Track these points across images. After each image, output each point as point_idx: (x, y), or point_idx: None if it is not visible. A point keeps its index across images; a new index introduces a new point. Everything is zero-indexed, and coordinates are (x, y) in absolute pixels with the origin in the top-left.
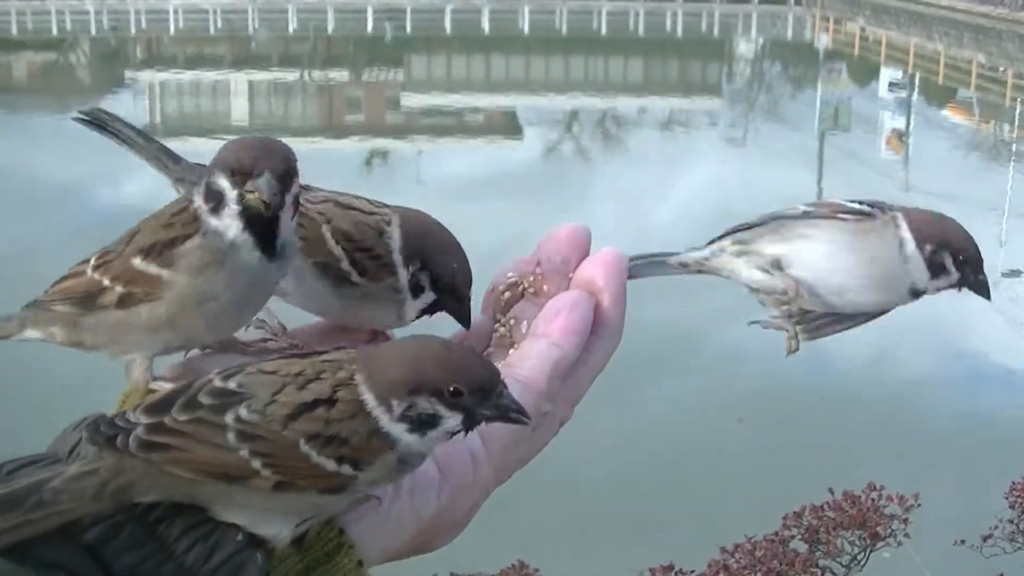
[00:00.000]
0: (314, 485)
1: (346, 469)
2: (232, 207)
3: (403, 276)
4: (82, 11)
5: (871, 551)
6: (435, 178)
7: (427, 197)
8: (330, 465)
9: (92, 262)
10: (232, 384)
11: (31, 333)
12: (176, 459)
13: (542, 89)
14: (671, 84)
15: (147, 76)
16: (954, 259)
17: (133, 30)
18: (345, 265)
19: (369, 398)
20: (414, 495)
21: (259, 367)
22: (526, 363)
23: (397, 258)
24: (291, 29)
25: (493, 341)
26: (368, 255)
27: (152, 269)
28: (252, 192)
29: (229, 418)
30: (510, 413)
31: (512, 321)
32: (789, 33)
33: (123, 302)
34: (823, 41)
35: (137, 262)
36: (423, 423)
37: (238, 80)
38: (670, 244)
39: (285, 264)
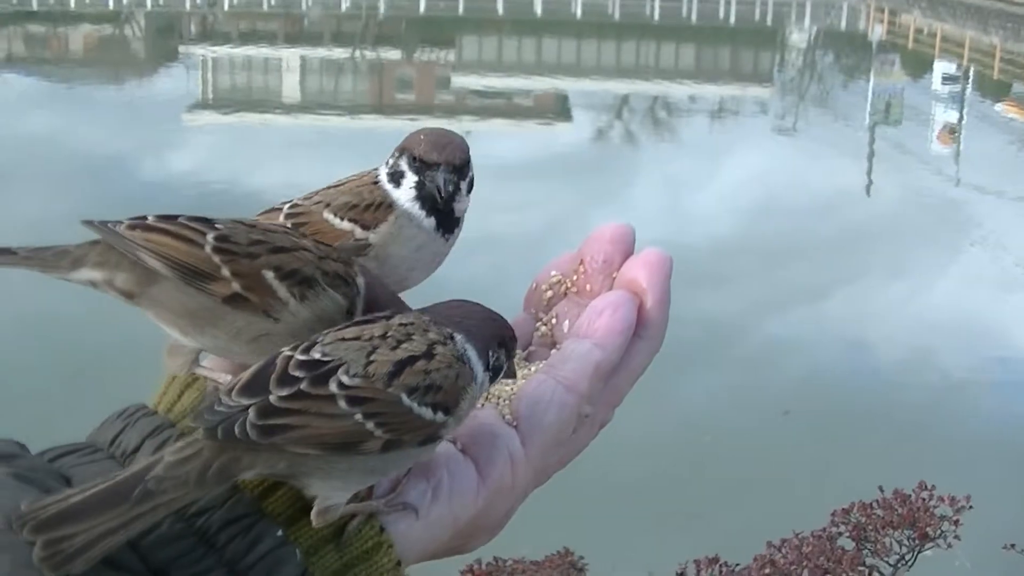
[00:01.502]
0: (415, 438)
1: (440, 416)
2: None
3: None
4: None
5: (919, 551)
6: (483, 159)
7: (476, 179)
8: (427, 414)
9: (211, 240)
10: (316, 355)
11: (86, 275)
12: (297, 438)
13: (593, 73)
14: (722, 71)
15: (200, 51)
16: None
17: (188, 5)
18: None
19: (472, 353)
20: (452, 497)
21: (336, 335)
22: (568, 364)
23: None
24: (344, 7)
25: (534, 339)
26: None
27: (283, 292)
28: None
29: (333, 386)
30: (514, 373)
31: (554, 320)
32: (843, 23)
33: (232, 301)
34: (877, 32)
35: (270, 276)
36: (496, 371)
37: (290, 57)
38: (713, 231)
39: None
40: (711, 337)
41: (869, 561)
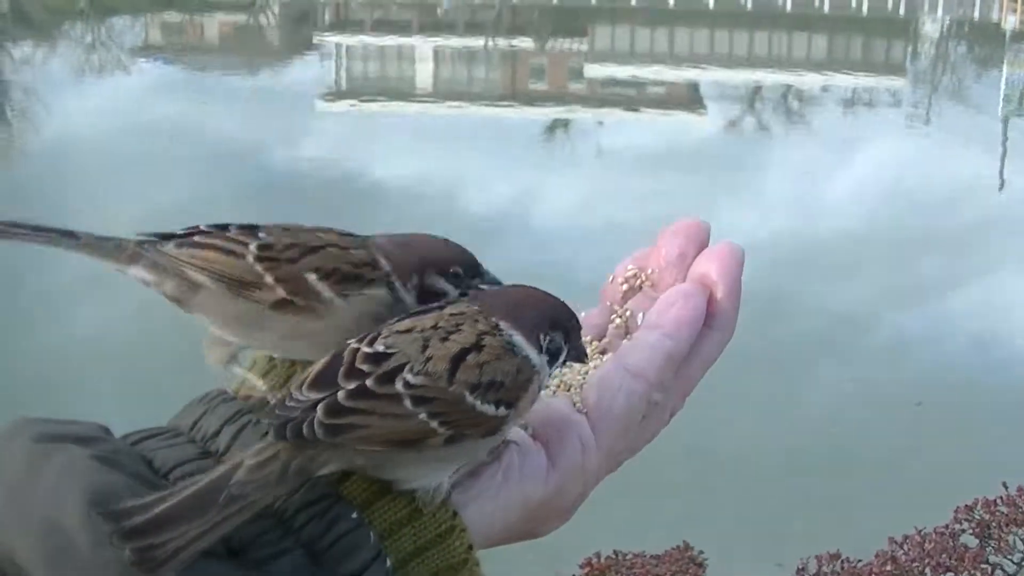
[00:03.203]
0: (477, 432)
1: (502, 411)
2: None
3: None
4: None
5: None
6: (615, 150)
7: (607, 169)
8: (490, 410)
9: (253, 250)
10: (380, 347)
11: (139, 273)
12: (362, 437)
13: (725, 63)
14: (855, 62)
15: (334, 39)
16: None
17: None
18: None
19: (519, 339)
20: (523, 480)
21: (391, 328)
22: (637, 353)
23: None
24: None
25: (609, 332)
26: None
27: (327, 293)
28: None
29: (399, 385)
30: (583, 355)
31: (628, 313)
32: (976, 12)
33: (279, 306)
34: (1011, 22)
35: (312, 279)
36: (553, 355)
37: (423, 46)
38: (844, 223)
39: None
40: (841, 328)
41: (992, 559)
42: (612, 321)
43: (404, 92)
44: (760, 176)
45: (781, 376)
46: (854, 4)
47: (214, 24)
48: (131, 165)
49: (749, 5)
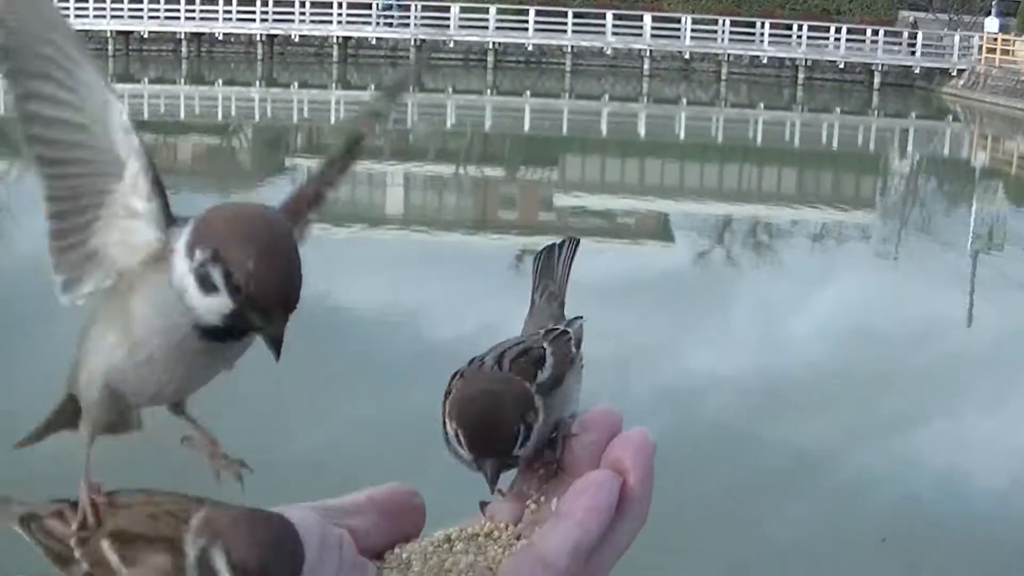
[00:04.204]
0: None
1: None
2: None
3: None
4: (247, 98)
5: None
6: (584, 279)
7: (575, 298)
8: None
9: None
10: None
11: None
12: None
13: (695, 195)
14: (824, 196)
15: (306, 163)
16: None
17: (295, 118)
18: None
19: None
20: None
21: None
22: (548, 543)
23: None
24: (448, 124)
25: (525, 517)
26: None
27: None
28: None
29: None
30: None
31: (542, 499)
32: (946, 149)
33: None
34: (980, 158)
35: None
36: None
37: (394, 172)
38: (811, 358)
39: None
40: (805, 463)
41: None
42: (528, 506)
43: (374, 218)
44: (727, 309)
45: (746, 510)
46: (824, 139)
47: (188, 146)
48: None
49: (720, 138)
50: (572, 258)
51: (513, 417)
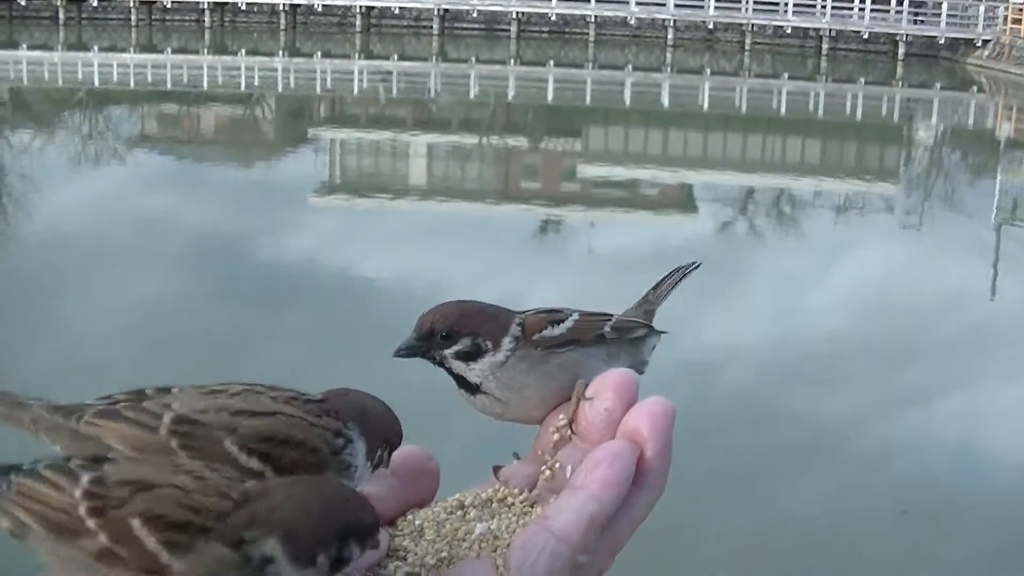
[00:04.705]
0: None
1: None
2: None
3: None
4: (270, 68)
5: None
6: (607, 250)
7: (598, 269)
8: None
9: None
10: None
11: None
12: None
13: (719, 166)
14: (848, 167)
15: (329, 134)
16: None
17: (318, 88)
18: None
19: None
20: None
21: None
22: (562, 516)
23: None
24: (472, 94)
25: (539, 483)
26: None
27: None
28: None
29: None
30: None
31: (557, 465)
32: (971, 120)
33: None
34: (1005, 129)
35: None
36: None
37: (417, 142)
38: (833, 330)
39: None
40: (827, 435)
41: None
42: (543, 472)
43: (397, 188)
44: (750, 280)
45: (766, 483)
46: (848, 109)
47: (210, 116)
48: (123, 256)
49: (743, 108)
50: (683, 279)
51: (471, 325)
